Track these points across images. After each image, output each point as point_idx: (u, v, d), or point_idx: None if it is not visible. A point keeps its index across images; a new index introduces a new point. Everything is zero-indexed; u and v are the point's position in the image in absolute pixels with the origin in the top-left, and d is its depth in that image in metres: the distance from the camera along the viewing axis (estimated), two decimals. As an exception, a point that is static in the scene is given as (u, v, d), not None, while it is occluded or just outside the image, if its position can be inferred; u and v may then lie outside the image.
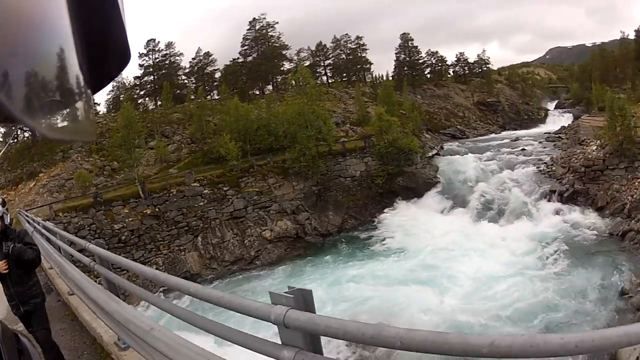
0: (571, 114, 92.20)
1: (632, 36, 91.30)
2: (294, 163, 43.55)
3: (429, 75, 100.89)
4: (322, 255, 37.50)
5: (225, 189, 40.59)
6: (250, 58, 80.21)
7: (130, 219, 36.10)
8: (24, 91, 0.53)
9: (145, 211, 36.68)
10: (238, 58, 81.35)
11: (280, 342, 3.32)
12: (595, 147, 44.52)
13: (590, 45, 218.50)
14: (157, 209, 37.13)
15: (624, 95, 60.63)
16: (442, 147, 65.17)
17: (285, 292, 3.19)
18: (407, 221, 42.33)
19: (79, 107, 0.67)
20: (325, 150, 46.45)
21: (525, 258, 32.72)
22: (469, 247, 35.37)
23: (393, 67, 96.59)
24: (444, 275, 29.87)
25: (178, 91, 72.69)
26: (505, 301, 25.01)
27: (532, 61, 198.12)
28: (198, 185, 39.66)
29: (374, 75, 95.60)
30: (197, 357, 3.83)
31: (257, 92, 77.10)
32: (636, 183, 37.98)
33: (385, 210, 45.82)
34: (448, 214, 43.69)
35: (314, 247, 39.72)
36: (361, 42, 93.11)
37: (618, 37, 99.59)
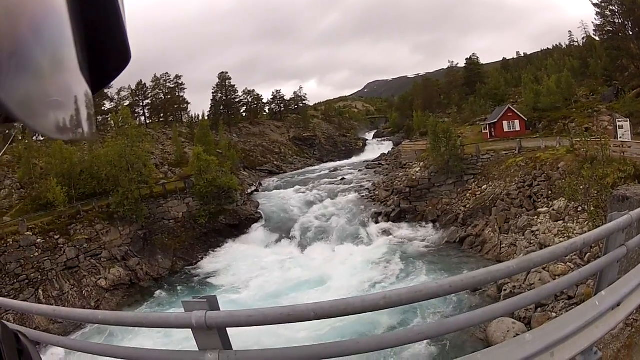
0: (391, 142, 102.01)
1: (461, 64, 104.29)
2: (118, 207, 43.85)
3: (244, 114, 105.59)
4: (159, 299, 37.94)
5: (56, 237, 39.24)
6: (72, 95, 77.68)
7: (-25, 274, 34.59)
8: (24, 91, 0.55)
9: (-13, 264, 35.28)
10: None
11: (197, 349, 3.51)
12: (419, 168, 51.21)
13: (412, 76, 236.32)
14: (-3, 261, 35.86)
15: (448, 119, 69.62)
16: (260, 184, 70.32)
17: (195, 299, 3.44)
18: (236, 257, 44.57)
19: (79, 107, 0.69)
20: (147, 193, 47.54)
21: (363, 275, 35.99)
22: (301, 272, 38.22)
23: (210, 106, 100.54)
24: (287, 300, 31.26)
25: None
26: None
27: (349, 95, 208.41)
28: (31, 234, 38.04)
29: (190, 115, 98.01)
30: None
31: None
32: (467, 195, 45.04)
33: (213, 248, 47.80)
34: (275, 246, 46.52)
35: (150, 292, 39.77)
36: (180, 82, 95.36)
37: (445, 67, 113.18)
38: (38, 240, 38.19)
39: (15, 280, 35.47)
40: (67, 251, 38.94)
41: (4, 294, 32.67)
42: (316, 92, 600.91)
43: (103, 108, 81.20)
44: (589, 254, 24.68)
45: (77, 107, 0.68)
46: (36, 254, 37.37)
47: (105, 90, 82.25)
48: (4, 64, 0.51)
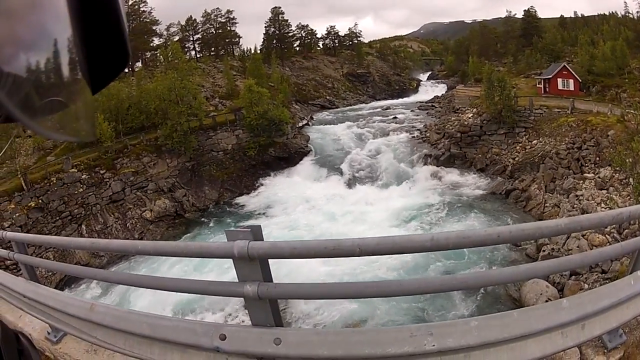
0: (445, 85, 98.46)
1: (519, 15, 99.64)
2: (166, 140, 44.26)
3: (298, 48, 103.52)
4: (203, 230, 38.66)
5: (102, 172, 39.74)
6: (120, 34, 78.22)
7: (17, 214, 34.25)
8: (24, 91, 0.56)
9: (30, 204, 35.13)
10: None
11: (237, 281, 3.45)
12: (472, 114, 50.18)
13: (470, 22, 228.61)
14: (40, 200, 35.57)
15: (503, 69, 67.81)
16: (312, 118, 69.74)
17: (239, 229, 3.37)
18: (283, 190, 44.93)
19: (79, 107, 0.70)
20: (197, 125, 47.74)
21: (408, 216, 36.37)
22: (347, 210, 38.51)
23: (262, 40, 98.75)
24: (331, 236, 30.21)
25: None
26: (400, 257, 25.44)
27: (405, 35, 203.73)
28: (76, 170, 38.36)
29: (242, 48, 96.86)
30: (142, 320, 3.83)
31: (127, 70, 74.29)
32: (517, 147, 44.42)
33: (260, 180, 48.14)
34: (323, 181, 46.69)
35: (194, 223, 40.56)
36: (231, 16, 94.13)
37: (502, 16, 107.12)
38: (83, 177, 38.59)
39: (57, 218, 35.84)
40: (112, 185, 39.61)
41: (45, 232, 33.44)
42: (372, 29, 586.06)
43: (152, 44, 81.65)
44: (627, 230, 24.73)
45: (77, 108, 0.69)
46: (80, 190, 37.83)
47: (154, 27, 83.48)
48: (4, 65, 0.52)
